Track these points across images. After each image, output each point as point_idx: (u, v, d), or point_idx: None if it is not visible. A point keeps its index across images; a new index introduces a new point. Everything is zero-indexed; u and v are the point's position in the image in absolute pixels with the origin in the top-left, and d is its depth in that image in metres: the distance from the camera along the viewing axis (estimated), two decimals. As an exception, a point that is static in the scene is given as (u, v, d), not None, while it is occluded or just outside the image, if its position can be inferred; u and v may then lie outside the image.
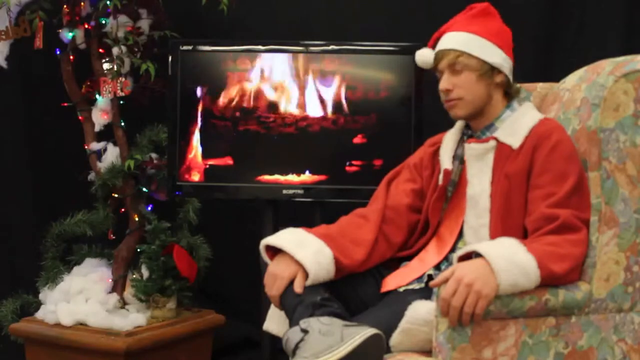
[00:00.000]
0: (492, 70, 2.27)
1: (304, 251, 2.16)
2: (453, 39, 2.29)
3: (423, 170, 2.42)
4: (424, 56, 2.42)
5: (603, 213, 2.04)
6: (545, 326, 1.98)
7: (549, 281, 1.97)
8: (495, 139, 2.24)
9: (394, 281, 2.27)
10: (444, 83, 2.27)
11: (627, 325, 2.07)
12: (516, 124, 2.24)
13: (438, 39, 2.36)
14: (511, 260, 1.92)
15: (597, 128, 2.05)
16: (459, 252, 2.02)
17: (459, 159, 2.33)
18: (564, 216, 2.04)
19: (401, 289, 2.23)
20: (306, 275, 2.14)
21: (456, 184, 2.31)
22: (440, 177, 2.34)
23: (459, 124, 2.40)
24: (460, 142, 2.36)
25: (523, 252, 1.95)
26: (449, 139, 2.40)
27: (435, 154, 2.41)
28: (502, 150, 2.23)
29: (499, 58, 2.28)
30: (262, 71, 2.97)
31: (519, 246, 1.97)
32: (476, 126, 2.31)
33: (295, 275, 2.14)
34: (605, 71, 2.10)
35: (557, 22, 3.42)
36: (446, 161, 2.34)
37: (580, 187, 2.09)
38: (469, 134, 2.34)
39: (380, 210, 2.36)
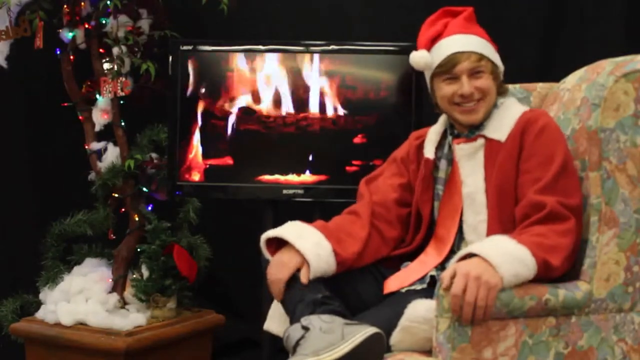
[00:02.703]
0: (498, 72, 2.31)
1: (304, 242, 2.18)
2: (468, 42, 2.28)
3: (409, 164, 2.43)
4: (424, 58, 2.34)
5: (603, 213, 2.04)
6: (545, 326, 1.98)
7: (544, 270, 1.97)
8: (483, 136, 2.26)
9: (395, 283, 2.27)
10: (468, 87, 2.24)
11: (627, 325, 2.07)
12: (502, 120, 2.26)
13: (432, 41, 2.34)
14: (507, 254, 1.94)
15: (597, 128, 2.05)
16: (455, 258, 2.02)
17: (445, 157, 2.34)
18: (550, 205, 2.04)
19: (403, 290, 2.23)
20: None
21: (446, 182, 2.32)
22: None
23: (443, 119, 2.40)
24: (444, 137, 2.38)
25: (515, 244, 1.96)
26: (433, 132, 2.41)
27: (421, 147, 2.42)
28: (491, 146, 2.24)
29: (500, 62, 2.32)
30: (262, 71, 2.97)
31: (509, 240, 1.98)
32: (462, 128, 2.32)
33: (301, 265, 2.16)
34: (605, 71, 2.10)
35: (557, 22, 3.42)
36: (428, 152, 2.36)
37: (566, 170, 2.10)
38: (454, 133, 2.34)
39: (368, 205, 2.38)
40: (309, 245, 2.18)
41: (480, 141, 2.26)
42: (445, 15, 2.37)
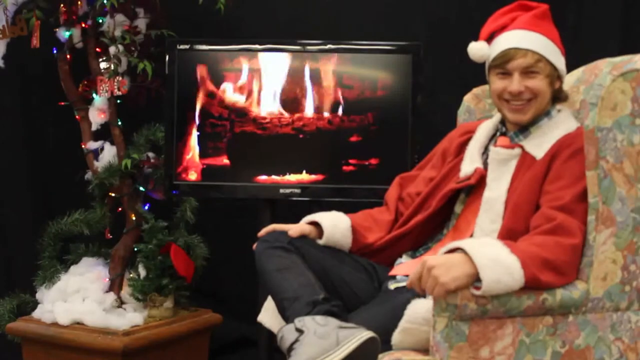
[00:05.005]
0: (557, 77, 2.25)
1: (322, 216, 2.38)
2: (528, 39, 2.21)
3: (448, 156, 2.42)
4: (481, 50, 2.28)
5: (600, 212, 2.04)
6: (542, 325, 1.99)
7: (533, 284, 1.94)
8: (522, 147, 2.23)
9: (402, 269, 2.28)
10: (517, 85, 2.19)
11: (624, 324, 2.07)
12: (547, 135, 2.21)
13: (492, 33, 2.27)
14: (494, 258, 1.90)
15: (594, 127, 2.05)
16: (443, 249, 1.99)
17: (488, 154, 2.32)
18: (561, 218, 2.02)
19: (392, 287, 2.23)
20: (320, 235, 2.34)
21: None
22: (465, 169, 2.32)
23: (497, 118, 2.36)
24: (492, 138, 2.34)
25: (507, 252, 1.92)
26: (482, 134, 2.37)
27: (466, 144, 2.39)
28: (525, 160, 2.21)
29: (563, 65, 2.25)
30: (259, 70, 2.97)
31: (502, 247, 1.94)
32: (511, 126, 2.28)
33: (309, 230, 2.33)
34: (603, 71, 2.10)
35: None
36: (476, 158, 2.31)
37: (587, 197, 2.07)
38: (502, 130, 2.31)
39: (395, 194, 2.49)
40: (326, 217, 2.37)
41: (517, 151, 2.22)
42: (518, 9, 2.30)
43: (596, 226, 2.04)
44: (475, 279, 1.89)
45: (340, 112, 2.93)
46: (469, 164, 2.32)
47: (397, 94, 2.92)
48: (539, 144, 2.21)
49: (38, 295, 3.26)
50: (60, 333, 3.06)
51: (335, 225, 2.36)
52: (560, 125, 2.24)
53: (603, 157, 2.05)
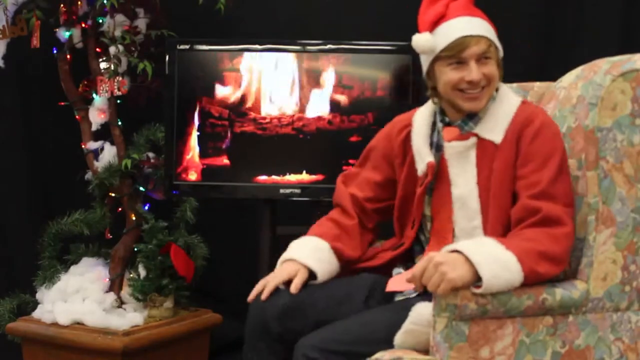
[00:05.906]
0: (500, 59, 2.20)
1: (304, 254, 2.20)
2: (477, 26, 2.14)
3: (394, 159, 2.33)
4: (429, 41, 2.14)
5: (600, 212, 2.04)
6: (542, 325, 1.99)
7: (533, 277, 1.95)
8: (476, 135, 2.17)
9: (402, 284, 2.21)
10: (476, 73, 2.10)
11: (624, 324, 2.07)
12: (497, 115, 2.16)
13: (435, 23, 2.16)
14: (491, 256, 1.91)
15: (594, 127, 2.05)
16: (444, 250, 1.97)
17: (436, 146, 2.23)
18: (546, 209, 2.01)
19: (401, 298, 2.19)
20: (313, 275, 2.19)
21: (435, 177, 2.22)
22: (420, 168, 2.25)
23: (432, 107, 2.28)
24: (434, 127, 2.26)
25: (502, 249, 1.93)
26: (421, 124, 2.28)
27: (407, 139, 2.30)
28: (485, 147, 2.15)
29: (500, 46, 2.20)
30: (259, 70, 2.97)
31: (496, 245, 1.95)
32: (455, 115, 2.20)
33: (295, 273, 2.16)
34: (602, 70, 2.10)
35: (553, 21, 3.42)
36: (425, 153, 2.24)
37: (561, 173, 2.06)
38: (445, 121, 2.23)
39: (347, 195, 2.36)
40: (308, 254, 2.21)
41: (472, 140, 2.16)
42: None
43: (596, 226, 2.04)
44: (476, 279, 1.90)
45: (340, 112, 2.93)
46: (421, 162, 2.25)
47: (397, 94, 2.92)
48: (492, 127, 2.16)
49: (38, 295, 3.26)
50: (60, 333, 3.06)
51: (320, 259, 2.22)
52: (503, 101, 2.18)
53: (603, 157, 2.05)
